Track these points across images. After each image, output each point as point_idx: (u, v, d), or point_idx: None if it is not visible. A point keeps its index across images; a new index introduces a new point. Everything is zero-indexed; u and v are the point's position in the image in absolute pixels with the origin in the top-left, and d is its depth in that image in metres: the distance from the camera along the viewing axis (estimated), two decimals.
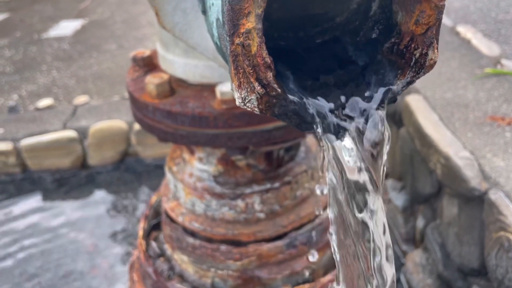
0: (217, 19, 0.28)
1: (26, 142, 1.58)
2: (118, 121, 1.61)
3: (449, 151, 0.91)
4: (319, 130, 0.28)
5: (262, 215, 0.65)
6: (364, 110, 0.28)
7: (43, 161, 1.60)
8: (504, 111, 1.01)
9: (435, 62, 0.28)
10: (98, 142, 1.60)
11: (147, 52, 0.66)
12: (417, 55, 0.28)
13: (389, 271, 0.32)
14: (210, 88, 0.56)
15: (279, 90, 0.27)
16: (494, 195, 0.80)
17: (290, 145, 0.62)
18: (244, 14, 0.25)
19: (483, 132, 0.96)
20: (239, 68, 0.26)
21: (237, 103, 0.27)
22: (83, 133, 1.60)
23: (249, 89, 0.27)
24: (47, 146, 1.58)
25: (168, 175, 0.70)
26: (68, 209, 1.56)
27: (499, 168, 0.85)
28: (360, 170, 0.27)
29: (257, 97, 0.27)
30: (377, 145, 0.28)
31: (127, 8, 4.01)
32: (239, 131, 0.54)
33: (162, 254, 0.75)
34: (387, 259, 0.32)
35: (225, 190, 0.64)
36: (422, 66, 0.28)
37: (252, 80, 0.26)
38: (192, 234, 0.66)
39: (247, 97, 0.27)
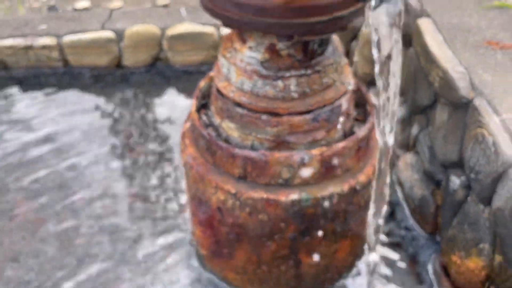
0: None
1: (68, 38, 1.74)
2: (152, 26, 1.76)
3: (447, 66, 1.08)
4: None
5: (295, 95, 0.84)
6: None
7: (83, 58, 1.77)
8: (500, 37, 1.17)
9: None
10: (133, 44, 1.75)
11: None
12: None
13: None
14: None
15: None
16: (478, 102, 0.99)
17: (324, 38, 0.80)
18: None
19: (479, 53, 1.13)
20: None
21: None
22: (119, 34, 1.75)
23: None
24: (87, 44, 1.73)
25: (222, 60, 0.88)
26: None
27: (486, 82, 1.03)
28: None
29: None
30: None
31: None
32: (290, 22, 0.71)
33: (210, 125, 0.95)
34: None
35: (269, 73, 0.82)
36: None
37: None
38: (240, 106, 0.86)
39: None
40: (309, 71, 0.83)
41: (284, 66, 0.82)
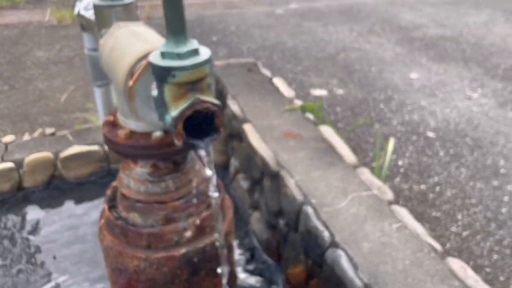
0: (164, 119, 1.02)
1: None
2: (47, 153, 2.18)
3: (263, 153, 1.76)
4: (201, 146, 1.04)
5: (173, 189, 1.39)
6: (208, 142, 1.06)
7: None
8: (291, 130, 1.91)
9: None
10: (32, 170, 2.14)
11: (111, 118, 1.36)
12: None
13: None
14: (149, 133, 1.29)
15: (184, 139, 1.03)
16: (282, 172, 1.67)
17: (183, 155, 1.38)
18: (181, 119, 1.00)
19: (280, 143, 1.84)
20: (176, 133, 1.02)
21: (176, 142, 1.02)
22: (19, 163, 2.13)
23: (178, 140, 1.02)
24: None
25: (123, 175, 1.40)
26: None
27: (285, 159, 1.73)
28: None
29: (180, 141, 1.02)
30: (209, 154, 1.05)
31: (8, 49, 4.33)
32: (161, 151, 1.28)
33: (120, 217, 1.44)
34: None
35: (155, 179, 1.37)
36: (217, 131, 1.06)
37: (179, 138, 1.02)
38: (140, 202, 1.38)
39: (177, 143, 1.02)
40: (178, 174, 1.40)
41: (163, 174, 1.38)
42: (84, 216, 2.06)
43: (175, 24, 0.97)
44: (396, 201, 1.53)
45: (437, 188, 2.37)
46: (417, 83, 3.62)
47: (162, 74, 0.96)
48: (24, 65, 3.91)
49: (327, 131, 1.87)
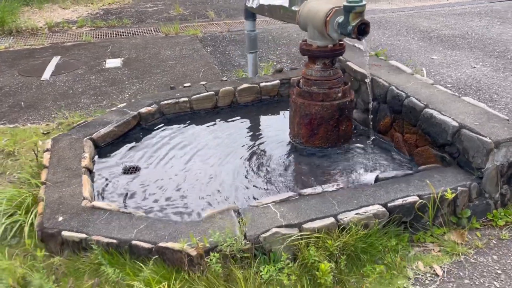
0: (347, 30, 2.64)
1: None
2: (229, 87, 3.83)
3: (361, 71, 3.39)
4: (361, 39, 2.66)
5: (332, 74, 3.02)
6: None
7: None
8: (374, 63, 3.55)
9: None
10: (223, 96, 3.79)
11: (304, 42, 3.00)
12: None
13: None
14: (325, 46, 2.92)
15: (357, 35, 2.66)
16: (374, 77, 3.30)
17: (336, 58, 3.02)
18: None
19: (369, 68, 3.47)
20: None
21: (353, 37, 2.64)
22: (216, 92, 3.78)
23: (355, 36, 2.65)
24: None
25: (306, 70, 3.04)
26: None
27: (374, 73, 3.35)
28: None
29: (356, 36, 2.65)
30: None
31: (143, 50, 6.11)
32: (331, 54, 2.91)
33: (302, 89, 3.07)
34: None
35: (324, 69, 3.00)
36: None
37: (355, 34, 2.65)
38: (316, 80, 3.01)
39: (354, 37, 2.65)
40: (334, 67, 3.03)
41: (327, 68, 3.01)
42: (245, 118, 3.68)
43: None
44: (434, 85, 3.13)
45: None
46: (437, 61, 5.25)
47: (350, 9, 2.59)
48: (162, 58, 5.66)
49: (393, 62, 3.49)
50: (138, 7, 9.08)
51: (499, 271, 2.12)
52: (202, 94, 3.75)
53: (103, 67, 5.39)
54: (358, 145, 3.16)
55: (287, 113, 3.48)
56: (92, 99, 4.47)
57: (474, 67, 4.99)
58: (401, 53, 5.59)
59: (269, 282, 1.95)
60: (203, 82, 3.99)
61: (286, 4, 3.19)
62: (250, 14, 3.94)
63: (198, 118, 3.68)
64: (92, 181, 2.85)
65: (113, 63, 5.53)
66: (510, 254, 2.23)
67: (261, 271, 1.97)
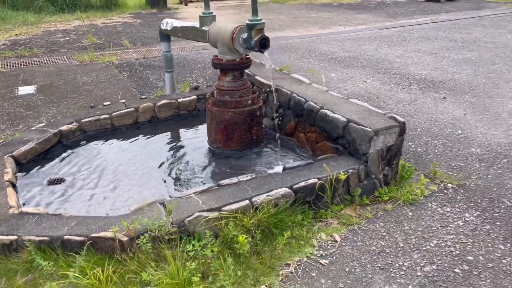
0: (251, 44, 3.07)
1: None
2: (149, 103, 4.08)
3: (267, 82, 3.85)
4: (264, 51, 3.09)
5: (242, 84, 3.42)
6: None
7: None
8: (279, 77, 4.03)
9: None
10: (143, 112, 4.03)
11: (216, 57, 3.38)
12: None
13: None
14: (234, 60, 3.33)
15: (260, 49, 3.10)
16: (278, 88, 3.77)
17: (244, 70, 3.44)
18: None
19: (275, 80, 3.94)
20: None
21: (257, 50, 3.08)
22: (136, 109, 4.00)
23: (258, 49, 3.08)
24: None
25: (219, 82, 3.41)
26: None
27: (278, 83, 3.83)
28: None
29: (258, 50, 3.08)
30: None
31: (57, 77, 6.14)
32: (239, 66, 3.32)
33: (216, 98, 3.43)
34: None
35: (234, 80, 3.40)
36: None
37: (258, 48, 3.08)
38: (228, 90, 3.39)
39: (257, 51, 3.07)
40: (243, 78, 3.43)
41: (237, 79, 3.41)
42: (166, 132, 3.96)
43: (255, 9, 3.06)
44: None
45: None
46: (335, 78, 5.95)
47: (252, 26, 3.03)
48: (78, 84, 5.74)
49: (295, 75, 4.01)
50: (48, 37, 8.99)
51: (384, 233, 2.59)
52: (122, 111, 3.96)
53: (16, 94, 5.35)
54: (269, 146, 3.57)
55: (204, 125, 3.81)
56: (7, 124, 4.45)
57: (366, 81, 5.74)
58: (304, 72, 6.22)
59: (195, 257, 2.22)
60: (123, 101, 4.20)
61: (197, 25, 3.57)
62: (165, 36, 4.27)
63: (119, 133, 3.87)
64: (17, 194, 2.92)
65: (26, 90, 5.50)
66: (392, 221, 2.72)
67: (187, 248, 2.24)
